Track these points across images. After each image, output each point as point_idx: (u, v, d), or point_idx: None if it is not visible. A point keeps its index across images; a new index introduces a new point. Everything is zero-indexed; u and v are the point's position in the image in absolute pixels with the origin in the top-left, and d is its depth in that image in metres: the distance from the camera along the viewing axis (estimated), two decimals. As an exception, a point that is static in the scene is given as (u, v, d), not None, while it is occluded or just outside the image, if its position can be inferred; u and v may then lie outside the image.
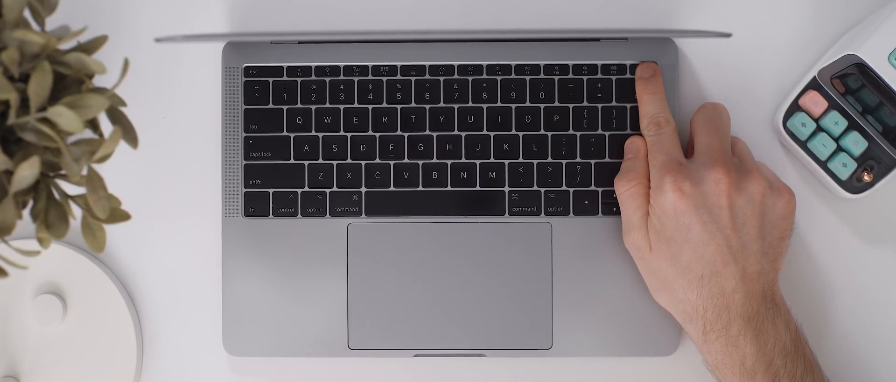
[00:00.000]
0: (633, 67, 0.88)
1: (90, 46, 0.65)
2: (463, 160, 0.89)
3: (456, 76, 0.89)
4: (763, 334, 0.81)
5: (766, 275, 0.82)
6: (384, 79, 0.89)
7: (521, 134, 0.89)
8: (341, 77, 0.89)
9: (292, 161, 0.89)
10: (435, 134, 0.89)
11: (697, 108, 0.88)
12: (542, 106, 0.89)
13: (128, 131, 0.66)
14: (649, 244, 0.84)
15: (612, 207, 0.88)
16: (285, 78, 0.89)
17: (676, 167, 0.82)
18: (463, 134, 0.89)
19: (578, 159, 0.88)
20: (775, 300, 0.82)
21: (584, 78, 0.89)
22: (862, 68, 0.84)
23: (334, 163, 0.89)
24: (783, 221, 0.83)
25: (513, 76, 0.89)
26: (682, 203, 0.81)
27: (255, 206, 0.89)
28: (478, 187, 0.89)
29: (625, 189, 0.85)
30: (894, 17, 0.84)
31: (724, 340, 0.81)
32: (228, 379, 0.91)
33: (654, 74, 0.88)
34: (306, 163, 0.89)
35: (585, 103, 0.89)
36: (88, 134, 0.67)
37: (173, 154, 0.91)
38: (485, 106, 0.89)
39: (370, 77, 0.89)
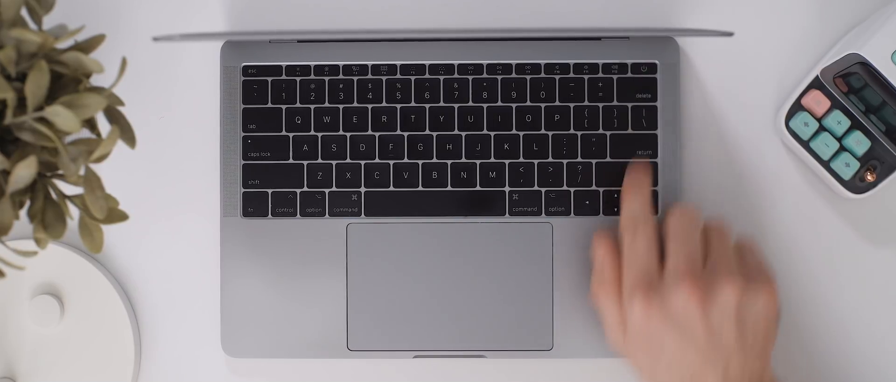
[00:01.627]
0: (635, 66, 0.88)
1: (88, 45, 0.65)
2: (463, 160, 0.89)
3: (456, 75, 0.89)
4: None
5: (750, 369, 0.80)
6: (384, 78, 0.89)
7: (521, 134, 0.88)
8: (341, 76, 0.89)
9: (291, 161, 0.89)
10: (435, 134, 0.89)
11: (669, 211, 0.86)
12: (542, 105, 0.88)
13: (125, 131, 0.66)
14: (628, 352, 0.83)
15: (613, 207, 0.88)
16: (284, 77, 0.89)
17: (646, 285, 0.81)
18: (463, 134, 0.89)
19: (579, 159, 0.88)
20: None
21: (585, 77, 0.88)
22: (865, 67, 0.84)
23: (333, 163, 0.89)
24: (765, 319, 0.81)
25: (513, 75, 0.89)
26: (653, 322, 0.80)
27: (253, 206, 0.89)
28: (478, 187, 0.89)
29: (600, 302, 0.84)
30: (897, 16, 0.84)
31: None
32: (227, 381, 0.91)
33: (644, 171, 0.87)
34: (305, 163, 0.89)
35: (586, 103, 0.88)
36: (86, 134, 0.67)
37: (171, 154, 0.91)
38: (485, 105, 0.89)
39: (370, 76, 0.89)
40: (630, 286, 0.82)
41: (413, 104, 0.89)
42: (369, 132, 0.89)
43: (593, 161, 0.88)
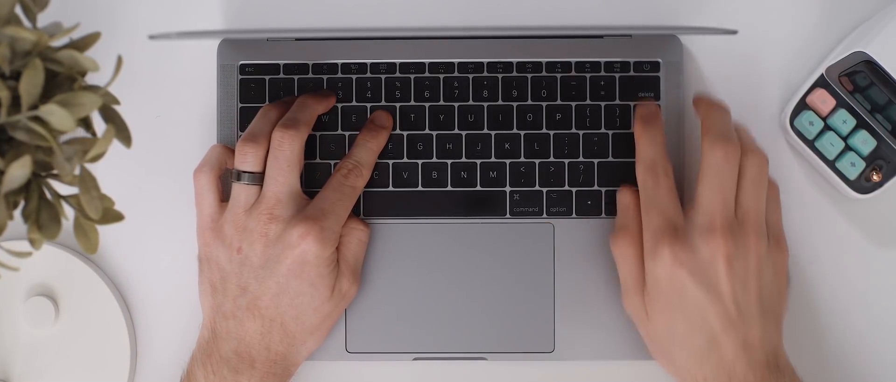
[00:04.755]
0: (638, 65, 0.88)
1: (83, 43, 0.65)
2: (463, 160, 0.88)
3: (456, 74, 0.88)
4: None
5: (769, 341, 0.79)
6: (383, 77, 0.88)
7: (522, 133, 0.88)
8: (339, 75, 0.88)
9: (289, 161, 0.88)
10: (434, 133, 0.88)
11: (711, 122, 0.83)
12: (544, 104, 0.88)
13: (121, 130, 0.65)
14: (646, 311, 0.82)
15: (615, 207, 0.87)
16: (282, 76, 0.89)
17: (672, 233, 0.79)
18: (463, 133, 0.88)
19: (581, 159, 0.88)
20: (779, 365, 0.80)
21: (587, 76, 0.88)
22: (871, 66, 0.84)
23: (332, 163, 0.88)
24: (779, 284, 0.81)
25: (514, 74, 0.88)
26: (677, 273, 0.78)
27: (251, 206, 0.88)
28: (478, 187, 0.88)
29: (619, 251, 0.83)
30: (903, 14, 0.84)
31: None
32: (224, 383, 0.90)
33: (654, 114, 0.85)
34: (303, 162, 0.88)
35: (588, 102, 0.88)
36: (81, 133, 0.67)
37: (168, 153, 0.90)
38: (485, 104, 0.88)
39: (368, 75, 0.88)
40: (654, 234, 0.80)
41: (412, 103, 0.88)
42: (368, 131, 0.88)
43: (595, 161, 0.88)
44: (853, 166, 0.86)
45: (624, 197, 0.85)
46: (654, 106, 0.86)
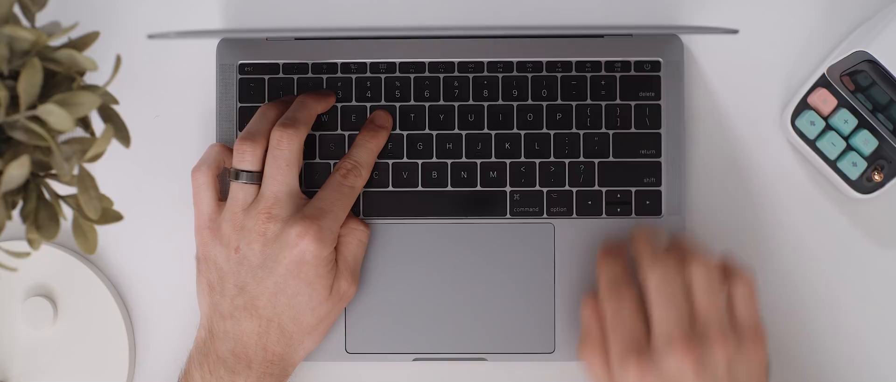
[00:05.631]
0: (638, 64, 0.87)
1: (81, 43, 0.65)
2: (463, 159, 0.88)
3: (456, 73, 0.88)
4: None
5: None
6: (382, 76, 0.88)
7: (522, 132, 0.88)
8: (338, 74, 0.88)
9: (289, 160, 0.88)
10: (434, 132, 0.88)
11: (640, 252, 0.83)
12: (544, 104, 0.88)
13: (120, 130, 0.65)
14: None
15: (616, 207, 0.87)
16: (281, 75, 0.88)
17: (637, 352, 0.78)
18: (463, 132, 0.88)
19: (582, 158, 0.87)
20: None
21: (588, 75, 0.88)
22: (872, 65, 0.84)
23: (331, 162, 0.88)
24: (754, 374, 0.79)
25: (514, 73, 0.88)
26: None
27: (250, 206, 0.88)
28: (478, 187, 0.88)
29: (587, 360, 0.81)
30: (905, 14, 0.83)
31: None
32: (223, 384, 0.90)
33: (619, 247, 0.84)
34: (303, 162, 0.88)
35: (589, 101, 0.87)
36: (79, 133, 0.67)
37: (166, 153, 0.90)
38: (486, 104, 0.88)
39: (368, 74, 0.88)
40: (620, 353, 0.79)
41: (412, 103, 0.88)
42: (368, 131, 0.88)
43: (596, 161, 0.87)
44: (855, 166, 0.86)
45: (585, 309, 0.82)
46: (621, 244, 0.85)
